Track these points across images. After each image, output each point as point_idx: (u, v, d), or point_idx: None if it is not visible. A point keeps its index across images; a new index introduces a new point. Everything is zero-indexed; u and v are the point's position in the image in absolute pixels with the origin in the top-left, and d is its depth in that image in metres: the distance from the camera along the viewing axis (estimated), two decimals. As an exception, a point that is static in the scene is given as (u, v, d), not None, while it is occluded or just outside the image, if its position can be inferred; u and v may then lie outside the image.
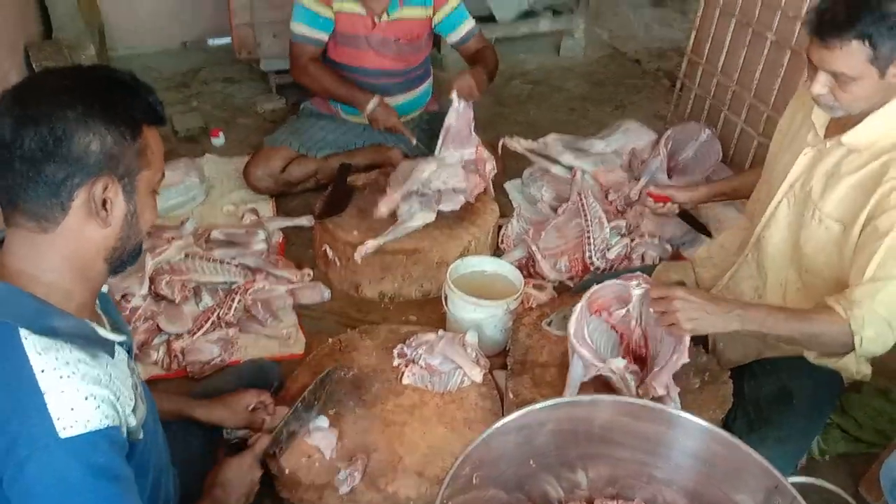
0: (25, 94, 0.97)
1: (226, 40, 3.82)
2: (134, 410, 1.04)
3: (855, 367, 1.69)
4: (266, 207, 2.72)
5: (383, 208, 2.23)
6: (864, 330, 1.44)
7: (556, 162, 2.82)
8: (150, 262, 2.16)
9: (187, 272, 2.20)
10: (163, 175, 1.09)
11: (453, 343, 1.85)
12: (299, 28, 2.62)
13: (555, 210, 2.62)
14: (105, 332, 1.02)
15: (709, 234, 2.27)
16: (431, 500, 1.42)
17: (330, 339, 1.97)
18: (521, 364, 1.80)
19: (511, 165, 2.91)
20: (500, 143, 2.81)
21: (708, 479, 1.27)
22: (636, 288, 1.57)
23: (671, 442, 1.29)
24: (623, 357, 1.60)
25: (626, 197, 2.62)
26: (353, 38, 2.65)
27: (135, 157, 1.01)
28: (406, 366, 1.83)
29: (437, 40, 3.00)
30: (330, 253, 2.36)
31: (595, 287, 1.61)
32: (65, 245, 0.99)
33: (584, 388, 1.62)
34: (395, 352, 1.87)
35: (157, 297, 2.15)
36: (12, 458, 0.89)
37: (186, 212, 2.63)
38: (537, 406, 1.25)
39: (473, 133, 2.49)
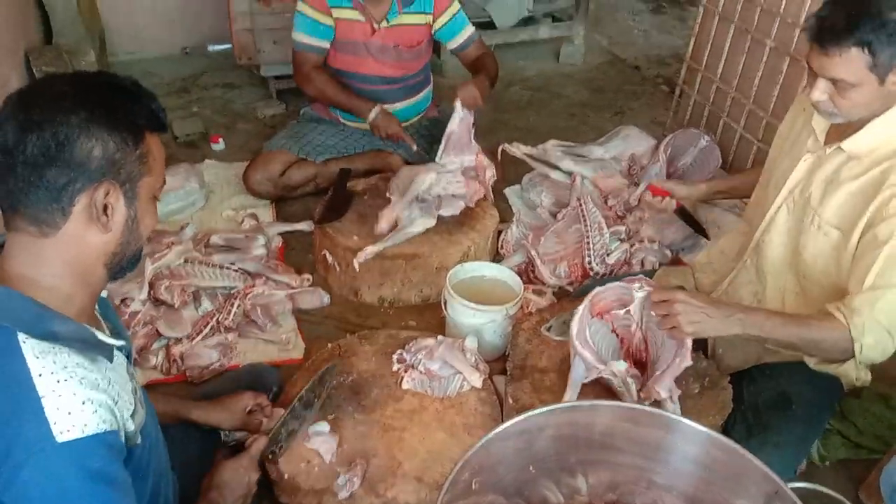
0: (29, 100, 0.97)
1: (226, 46, 3.84)
2: (133, 415, 1.03)
3: (855, 373, 1.69)
4: (266, 213, 2.72)
5: (384, 224, 2.22)
6: (865, 337, 1.44)
7: (555, 168, 2.83)
8: (149, 267, 2.16)
9: (187, 277, 2.20)
10: (164, 181, 1.09)
11: (453, 348, 1.85)
12: (301, 37, 2.63)
13: (554, 215, 2.62)
14: (104, 337, 1.02)
15: (706, 236, 2.26)
16: (431, 505, 1.42)
17: (329, 345, 1.97)
18: (520, 369, 1.79)
19: (511, 171, 2.91)
20: (500, 149, 2.82)
21: (708, 484, 1.27)
22: (638, 291, 1.57)
23: (671, 447, 1.28)
24: (623, 360, 1.60)
25: (625, 202, 2.62)
26: (352, 45, 2.66)
27: (136, 164, 1.01)
28: (405, 371, 1.83)
29: (436, 46, 3.01)
30: (329, 258, 2.36)
31: (597, 289, 1.61)
32: (65, 250, 0.99)
33: (583, 391, 1.62)
34: (395, 357, 1.87)
35: (157, 301, 2.15)
36: (9, 461, 0.88)
37: (186, 217, 2.64)
38: (537, 411, 1.24)
39: (473, 141, 2.49)
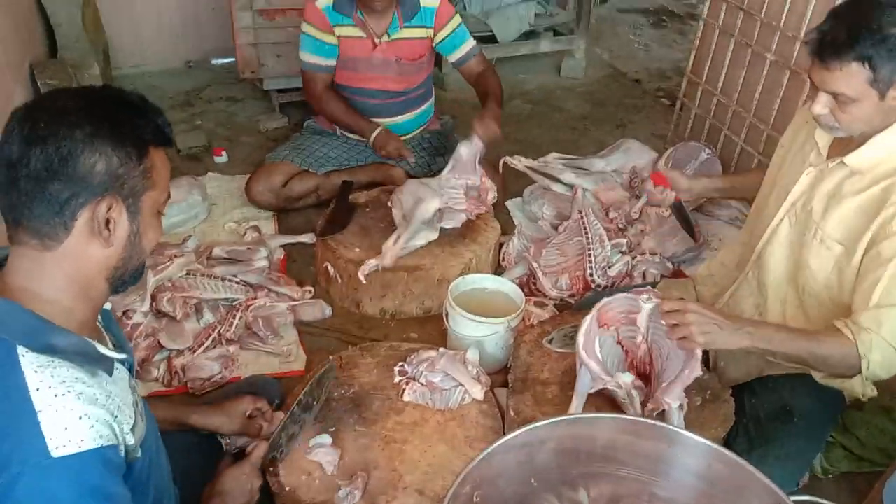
0: (35, 114, 0.98)
1: (229, 60, 3.86)
2: (133, 429, 1.03)
3: (861, 388, 1.69)
4: (268, 225, 2.73)
5: (387, 261, 2.22)
6: (872, 354, 1.45)
7: (556, 180, 2.84)
8: (151, 279, 2.16)
9: (189, 289, 2.20)
10: (168, 196, 1.10)
11: (454, 360, 1.85)
12: (307, 57, 2.67)
13: (556, 228, 2.63)
14: (105, 350, 1.02)
15: (694, 237, 2.24)
16: (432, 518, 1.42)
17: (331, 356, 1.96)
18: (522, 381, 1.79)
19: (512, 183, 2.92)
20: (502, 162, 2.83)
21: (710, 498, 1.26)
22: (646, 302, 1.57)
23: (673, 460, 1.28)
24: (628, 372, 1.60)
25: (626, 215, 2.62)
26: (354, 61, 2.68)
27: (140, 178, 1.01)
28: (407, 383, 1.83)
29: (438, 59, 3.03)
30: (331, 270, 2.37)
31: (605, 300, 1.61)
32: (67, 263, 0.99)
33: (585, 402, 1.62)
34: (396, 369, 1.87)
35: (159, 313, 2.15)
36: (4, 476, 0.88)
37: (189, 229, 2.65)
38: (538, 424, 1.24)
39: (478, 165, 2.49)
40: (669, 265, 2.48)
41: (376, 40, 2.64)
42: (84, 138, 0.96)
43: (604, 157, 2.94)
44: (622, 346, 1.68)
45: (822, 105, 1.50)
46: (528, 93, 4.05)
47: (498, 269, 2.52)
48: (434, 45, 2.72)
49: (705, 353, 1.80)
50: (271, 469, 1.55)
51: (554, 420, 1.27)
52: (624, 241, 2.50)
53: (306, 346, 2.21)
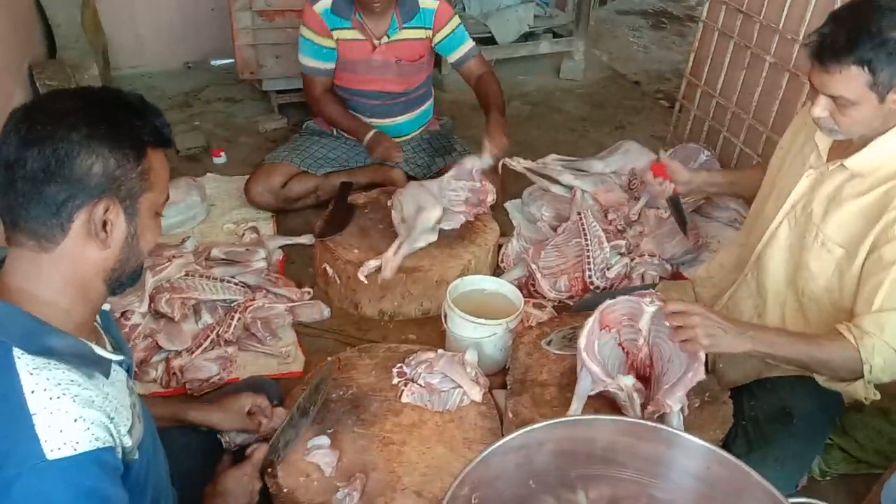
0: (33, 115, 0.97)
1: (228, 61, 3.86)
2: (130, 431, 1.03)
3: (864, 392, 1.70)
4: (267, 226, 2.73)
5: (387, 273, 2.22)
6: (874, 358, 1.45)
7: (555, 182, 2.84)
8: (150, 280, 2.16)
9: (187, 290, 2.20)
10: (167, 197, 1.09)
11: (453, 362, 1.85)
12: (306, 60, 2.69)
13: (554, 229, 2.63)
14: (102, 352, 1.02)
15: (685, 231, 2.22)
16: (430, 520, 1.42)
17: (329, 358, 1.96)
18: (520, 383, 1.79)
19: (511, 185, 2.92)
20: (500, 163, 2.83)
21: (709, 500, 1.26)
22: (649, 305, 1.57)
23: (672, 462, 1.28)
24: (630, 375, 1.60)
25: (625, 217, 2.62)
26: (353, 63, 2.69)
27: (138, 180, 1.01)
28: (405, 384, 1.83)
29: (437, 60, 3.03)
30: (330, 271, 2.36)
31: (608, 302, 1.61)
32: (64, 265, 0.99)
33: (585, 403, 1.62)
34: (395, 370, 1.87)
35: (157, 314, 2.15)
36: None
37: (187, 230, 2.65)
38: (537, 426, 1.24)
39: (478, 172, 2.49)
40: (668, 267, 2.48)
41: (375, 42, 2.64)
42: (81, 140, 0.95)
43: (603, 159, 2.94)
44: (623, 349, 1.68)
45: (821, 108, 1.50)
46: (527, 94, 4.05)
47: (497, 271, 2.52)
48: (433, 45, 2.72)
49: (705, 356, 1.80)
50: (269, 471, 1.54)
51: (552, 422, 1.26)
52: (623, 242, 2.50)
53: (305, 348, 2.21)
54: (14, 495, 0.87)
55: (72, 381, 0.94)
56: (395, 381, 1.85)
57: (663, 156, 1.99)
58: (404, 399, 1.80)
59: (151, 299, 2.15)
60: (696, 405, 1.70)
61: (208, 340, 2.11)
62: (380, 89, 2.73)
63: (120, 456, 1.00)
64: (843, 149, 1.60)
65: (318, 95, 2.74)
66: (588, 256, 2.38)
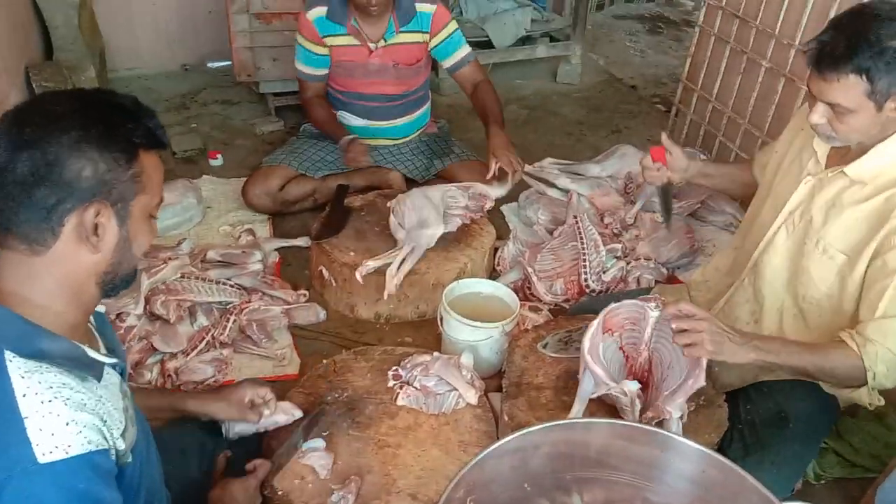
0: (23, 118, 0.97)
1: (226, 63, 3.86)
2: (123, 434, 1.02)
3: (868, 398, 1.70)
4: (263, 228, 2.73)
5: (391, 288, 2.21)
6: (877, 366, 1.46)
7: (552, 185, 2.84)
8: (145, 282, 2.16)
9: (183, 292, 2.20)
10: (161, 200, 1.09)
11: (448, 365, 1.85)
12: (300, 66, 2.74)
13: (551, 233, 2.63)
14: (95, 354, 1.01)
15: (668, 221, 2.20)
16: (425, 523, 1.41)
17: (325, 360, 1.96)
18: (516, 386, 1.79)
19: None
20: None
21: (704, 503, 1.26)
22: (653, 310, 1.56)
23: (666, 466, 1.28)
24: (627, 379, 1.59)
25: (621, 220, 2.63)
26: (350, 67, 2.70)
27: (129, 183, 1.00)
28: (401, 387, 1.83)
29: (434, 64, 3.04)
30: (326, 273, 2.36)
31: (612, 305, 1.61)
32: (56, 269, 0.99)
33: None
34: (390, 373, 1.87)
35: (153, 316, 2.14)
36: None
37: (183, 232, 2.64)
38: (532, 429, 1.24)
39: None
40: (664, 271, 2.49)
41: (371, 46, 2.64)
42: (71, 144, 0.95)
43: (599, 163, 2.94)
44: (623, 353, 1.68)
45: (819, 115, 1.51)
46: (524, 98, 4.06)
47: (493, 274, 2.53)
48: (429, 49, 2.73)
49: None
50: (269, 488, 1.54)
51: (548, 425, 1.26)
52: (619, 246, 2.50)
53: (300, 350, 2.21)
54: (5, 499, 0.87)
55: (64, 384, 0.94)
56: (391, 383, 1.84)
57: (665, 139, 1.95)
58: (400, 402, 1.80)
59: (147, 301, 2.15)
60: (692, 408, 1.70)
61: (203, 343, 2.11)
62: (378, 92, 2.74)
63: (113, 459, 0.99)
64: (842, 155, 1.60)
65: (306, 99, 2.81)
66: (584, 260, 2.38)
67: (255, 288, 2.32)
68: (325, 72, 2.74)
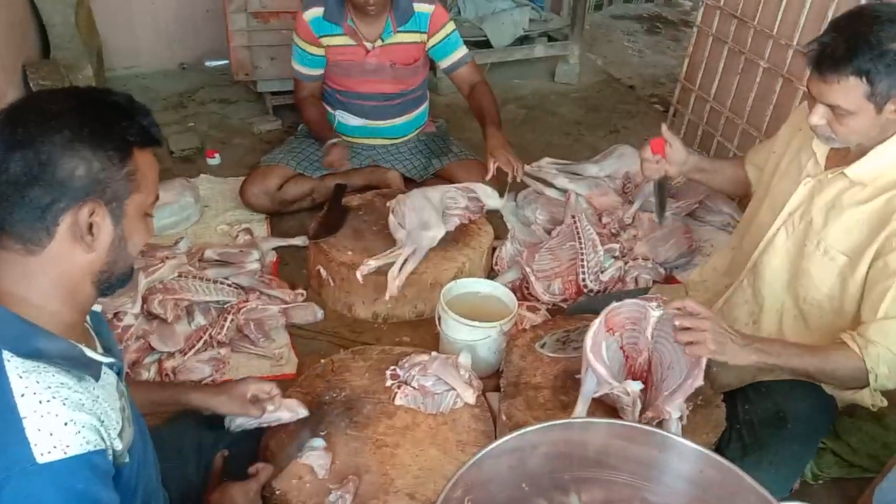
0: (16, 117, 0.96)
1: (223, 62, 3.86)
2: (120, 434, 1.02)
3: (871, 400, 1.71)
4: (260, 227, 2.72)
5: (393, 290, 2.20)
6: (879, 367, 1.47)
7: (550, 185, 2.84)
8: (143, 281, 2.15)
9: (180, 291, 2.19)
10: (156, 198, 1.08)
11: (446, 364, 1.85)
12: (296, 66, 2.75)
13: (549, 232, 2.63)
14: (93, 354, 1.01)
15: (660, 216, 2.19)
16: (423, 522, 1.41)
17: (322, 360, 1.96)
18: (514, 386, 1.79)
19: (505, 188, 2.92)
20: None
21: (702, 503, 1.26)
22: (655, 309, 1.56)
23: (664, 466, 1.28)
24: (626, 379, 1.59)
25: (619, 220, 2.63)
26: (347, 67, 2.70)
27: (124, 182, 1.00)
28: (399, 387, 1.82)
29: (433, 63, 3.04)
30: (324, 273, 2.36)
31: (614, 304, 1.61)
32: (52, 268, 0.98)
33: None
34: (388, 373, 1.86)
35: (150, 315, 2.14)
36: None
37: (181, 231, 2.64)
38: (530, 428, 1.24)
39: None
40: (662, 271, 2.49)
41: (368, 46, 2.64)
42: (63, 143, 0.94)
43: (597, 163, 2.95)
44: (624, 353, 1.67)
45: (818, 116, 1.51)
46: (521, 98, 4.06)
47: (491, 274, 2.52)
48: (426, 49, 2.73)
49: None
50: (270, 494, 1.54)
51: (546, 425, 1.26)
52: (616, 246, 2.50)
53: (298, 350, 2.20)
54: (3, 499, 0.87)
55: (62, 384, 0.93)
56: (389, 383, 1.84)
57: (665, 130, 1.94)
58: (398, 401, 1.80)
59: (144, 300, 2.14)
60: (690, 409, 1.70)
61: (201, 342, 2.11)
62: (375, 91, 2.74)
63: (111, 459, 0.99)
64: (841, 157, 1.61)
65: (299, 99, 2.82)
66: (582, 260, 2.38)
67: (253, 287, 2.31)
68: (320, 72, 2.75)
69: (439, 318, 2.09)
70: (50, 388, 0.92)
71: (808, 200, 1.65)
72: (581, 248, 2.40)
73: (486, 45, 4.00)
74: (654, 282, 2.42)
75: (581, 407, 1.59)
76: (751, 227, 1.83)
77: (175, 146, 3.24)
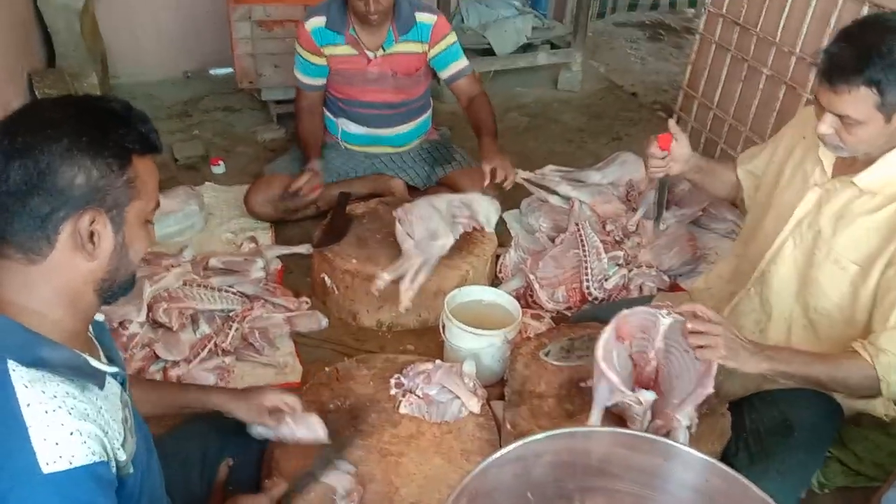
0: (15, 126, 0.96)
1: (227, 70, 3.87)
2: (123, 445, 1.02)
3: (883, 409, 1.70)
4: (265, 236, 2.73)
5: (406, 301, 2.19)
6: (891, 376, 1.46)
7: (553, 192, 2.85)
8: (147, 290, 2.16)
9: (185, 300, 2.20)
10: (157, 204, 1.08)
11: (451, 373, 1.85)
12: (298, 75, 2.76)
13: (552, 240, 2.63)
14: (97, 363, 1.01)
15: (658, 217, 2.18)
16: (428, 532, 1.40)
17: (327, 368, 1.95)
18: (518, 394, 1.79)
19: (509, 195, 2.92)
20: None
21: (707, 512, 1.26)
22: (665, 318, 1.56)
23: (669, 475, 1.28)
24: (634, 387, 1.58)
25: (623, 228, 2.63)
26: (349, 76, 2.71)
27: (124, 189, 1.00)
28: (403, 395, 1.82)
29: (436, 72, 3.05)
30: (328, 281, 2.36)
31: (624, 311, 1.60)
32: (53, 277, 0.98)
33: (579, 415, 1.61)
34: (392, 381, 1.86)
35: (155, 324, 2.14)
36: None
37: (185, 239, 2.64)
38: (535, 437, 1.24)
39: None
40: (666, 278, 2.49)
41: (369, 55, 2.65)
42: (62, 151, 0.94)
43: (600, 170, 2.95)
44: (633, 361, 1.67)
45: (827, 125, 1.50)
46: (524, 105, 4.07)
47: (495, 281, 2.52)
48: (428, 60, 2.74)
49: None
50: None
51: (550, 433, 1.26)
52: (620, 253, 2.50)
53: (302, 358, 2.21)
54: None
55: (67, 393, 0.93)
56: (393, 391, 1.84)
57: (672, 125, 1.92)
58: (402, 410, 1.80)
59: (149, 308, 2.15)
60: (699, 417, 1.70)
61: (206, 350, 2.11)
62: (377, 100, 2.74)
63: (114, 470, 0.99)
64: (848, 165, 1.60)
65: (300, 108, 2.81)
66: (586, 267, 2.38)
67: (258, 295, 2.32)
68: (321, 82, 2.75)
69: (443, 327, 2.09)
70: (56, 397, 0.92)
71: (816, 210, 1.65)
72: (585, 256, 2.40)
73: (489, 52, 4.01)
74: (659, 290, 2.42)
75: (596, 416, 1.58)
76: (756, 236, 1.82)
77: (179, 154, 3.25)
